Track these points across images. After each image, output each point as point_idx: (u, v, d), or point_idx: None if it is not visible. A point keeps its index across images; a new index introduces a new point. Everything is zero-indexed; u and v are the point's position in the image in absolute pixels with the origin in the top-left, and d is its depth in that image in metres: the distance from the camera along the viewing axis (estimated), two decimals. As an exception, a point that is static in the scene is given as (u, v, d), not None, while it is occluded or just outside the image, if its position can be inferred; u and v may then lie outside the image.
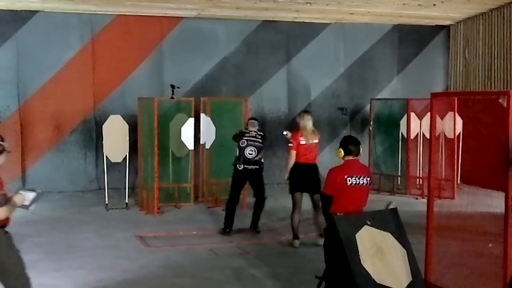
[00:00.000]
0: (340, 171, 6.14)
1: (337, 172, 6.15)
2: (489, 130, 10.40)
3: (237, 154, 10.02)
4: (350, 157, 6.21)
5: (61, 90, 13.62)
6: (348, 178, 6.03)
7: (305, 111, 9.76)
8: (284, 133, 9.49)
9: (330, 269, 6.12)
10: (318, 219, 8.86)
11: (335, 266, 5.90)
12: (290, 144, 9.14)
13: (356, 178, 6.06)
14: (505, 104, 5.90)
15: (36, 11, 13.39)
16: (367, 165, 9.68)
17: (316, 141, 9.28)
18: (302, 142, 9.07)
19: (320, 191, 6.46)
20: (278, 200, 11.91)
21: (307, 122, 9.17)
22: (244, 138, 9.98)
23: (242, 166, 9.85)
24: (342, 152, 6.23)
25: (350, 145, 6.23)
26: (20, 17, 13.35)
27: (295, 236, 9.10)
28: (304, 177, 9.10)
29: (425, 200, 12.04)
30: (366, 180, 6.16)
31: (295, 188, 9.15)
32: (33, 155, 13.56)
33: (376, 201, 12.00)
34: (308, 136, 9.11)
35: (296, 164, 9.11)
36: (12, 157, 13.14)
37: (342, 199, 6.06)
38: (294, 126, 9.99)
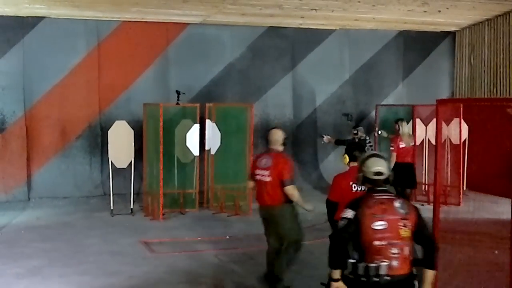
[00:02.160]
0: (345, 177, 6.11)
1: (342, 178, 6.12)
2: (495, 136, 10.37)
3: None
4: (356, 164, 6.16)
5: (67, 96, 13.66)
6: (353, 185, 5.94)
7: (402, 119, 11.33)
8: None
9: None
10: None
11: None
12: (392, 148, 10.77)
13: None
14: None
15: (42, 17, 13.45)
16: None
17: (412, 143, 11.06)
18: (402, 146, 10.78)
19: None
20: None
21: (405, 128, 10.98)
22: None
23: None
24: (347, 158, 6.23)
25: (355, 151, 6.22)
26: (27, 23, 13.40)
27: None
28: (401, 175, 9.87)
29: (431, 207, 12.02)
30: None
31: (394, 185, 9.60)
32: (38, 161, 13.59)
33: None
34: (406, 140, 10.83)
35: (395, 164, 10.46)
36: (18, 163, 13.27)
37: None
38: (394, 132, 11.51)
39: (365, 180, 4.58)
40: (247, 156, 12.21)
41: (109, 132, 11.86)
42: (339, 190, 6.03)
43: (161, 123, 11.33)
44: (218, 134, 12.30)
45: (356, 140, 12.02)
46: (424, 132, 13.77)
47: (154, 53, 14.31)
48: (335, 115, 15.51)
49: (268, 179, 6.90)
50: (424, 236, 4.40)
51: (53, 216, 11.78)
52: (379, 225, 4.25)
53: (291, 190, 6.89)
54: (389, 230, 4.26)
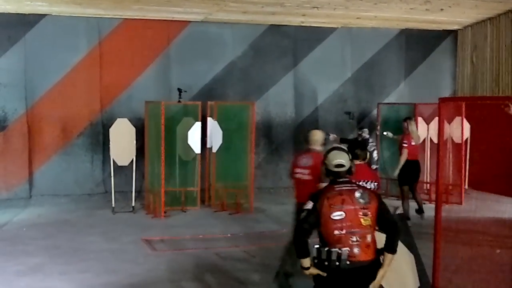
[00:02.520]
0: None
1: None
2: (497, 135, 10.36)
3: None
4: (357, 162, 6.18)
5: (69, 94, 13.65)
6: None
7: (410, 118, 11.52)
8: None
9: None
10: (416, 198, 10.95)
11: None
12: (405, 145, 10.83)
13: (364, 183, 6.02)
14: (510, 112, 5.89)
15: (44, 15, 13.44)
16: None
17: (419, 141, 11.40)
18: (413, 143, 10.93)
19: None
20: (285, 205, 11.87)
21: (413, 127, 11.20)
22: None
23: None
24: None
25: (356, 149, 6.29)
26: (28, 21, 13.38)
27: (408, 218, 10.46)
28: (411, 171, 10.83)
29: (432, 205, 11.97)
30: (374, 185, 6.13)
31: (404, 182, 10.82)
32: (40, 158, 13.58)
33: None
34: (416, 138, 11.08)
35: (406, 161, 10.78)
36: (19, 160, 13.27)
37: None
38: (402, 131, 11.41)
39: (328, 173, 4.76)
40: (248, 154, 12.21)
41: (110, 130, 11.86)
42: None
43: (163, 121, 11.33)
44: (220, 132, 12.29)
45: (359, 139, 12.20)
46: (426, 130, 13.76)
47: (156, 51, 14.30)
48: (336, 114, 15.49)
49: (307, 177, 6.94)
50: (386, 222, 4.59)
51: (55, 214, 11.79)
52: (337, 215, 4.44)
53: None
54: (348, 220, 4.45)
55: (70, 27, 13.67)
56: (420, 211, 11.03)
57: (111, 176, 11.93)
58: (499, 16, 14.57)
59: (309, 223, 4.50)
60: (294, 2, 12.64)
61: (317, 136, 7.34)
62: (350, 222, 4.45)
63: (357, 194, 4.54)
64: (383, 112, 14.55)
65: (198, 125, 12.00)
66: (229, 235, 10.08)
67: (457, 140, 13.10)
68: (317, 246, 4.53)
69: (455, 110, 12.13)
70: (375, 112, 15.00)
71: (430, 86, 15.82)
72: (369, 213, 4.50)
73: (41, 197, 13.28)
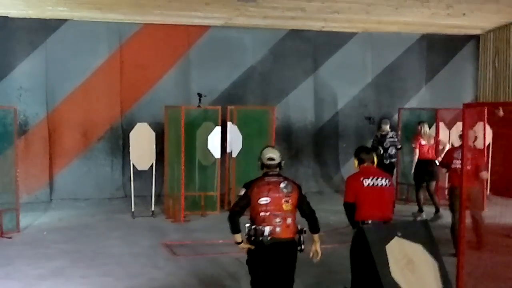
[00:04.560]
0: (355, 175, 6.38)
1: (353, 177, 6.39)
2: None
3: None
4: (365, 165, 6.43)
5: (89, 98, 13.73)
6: (364, 180, 6.21)
7: (423, 121, 12.34)
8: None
9: (357, 279, 6.09)
10: (433, 199, 11.89)
11: (364, 277, 5.92)
12: (414, 145, 12.01)
13: (374, 179, 6.21)
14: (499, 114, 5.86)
15: (65, 20, 13.52)
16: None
17: (432, 142, 12.13)
18: (423, 143, 11.89)
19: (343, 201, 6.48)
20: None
21: (426, 129, 12.09)
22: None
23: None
24: (356, 162, 6.51)
25: (361, 154, 6.47)
26: (50, 26, 13.48)
27: (420, 209, 11.89)
28: (423, 169, 11.87)
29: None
30: (385, 181, 6.24)
31: (418, 179, 12.01)
32: (60, 162, 13.66)
33: (404, 211, 12.00)
34: (427, 139, 11.96)
35: (418, 160, 11.94)
36: (40, 164, 13.35)
37: (364, 203, 6.17)
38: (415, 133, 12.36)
39: (262, 166, 5.81)
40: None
41: (130, 134, 11.89)
42: (353, 191, 6.26)
43: (183, 126, 11.33)
44: (240, 136, 12.26)
45: (379, 136, 12.51)
46: (448, 135, 13.63)
47: (176, 56, 14.33)
48: (357, 119, 15.42)
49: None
50: (305, 209, 5.73)
51: (75, 218, 11.83)
52: (263, 200, 5.52)
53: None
54: (272, 204, 5.52)
55: (91, 32, 13.75)
56: (436, 212, 11.76)
57: (130, 180, 11.95)
58: (521, 20, 14.43)
59: (240, 206, 5.65)
60: (315, 7, 12.60)
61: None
62: (274, 206, 5.52)
63: (282, 185, 5.61)
64: (404, 117, 14.45)
65: (218, 129, 11.99)
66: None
67: (479, 145, 12.94)
68: (248, 224, 5.63)
69: (477, 115, 11.99)
70: (396, 117, 14.88)
71: (452, 91, 15.70)
72: (290, 200, 5.57)
73: (61, 201, 13.34)
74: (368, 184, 6.16)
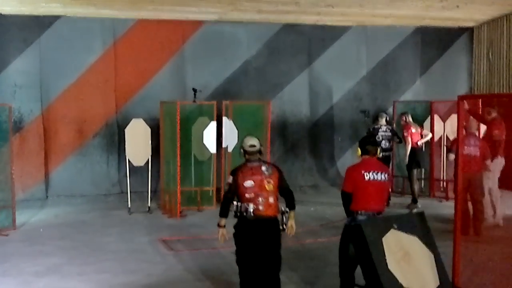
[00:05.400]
0: (357, 167, 6.35)
1: (354, 169, 6.36)
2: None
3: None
4: (367, 156, 6.39)
5: (84, 94, 13.70)
6: (365, 173, 6.19)
7: (405, 112, 12.76)
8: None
9: (345, 267, 6.36)
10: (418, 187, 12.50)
11: (351, 267, 6.24)
12: (406, 134, 12.22)
13: (374, 174, 6.20)
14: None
15: (58, 16, 13.49)
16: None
17: (419, 130, 12.51)
18: (413, 131, 12.23)
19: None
20: (300, 204, 11.80)
21: (410, 118, 12.42)
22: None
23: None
24: (360, 151, 6.44)
25: (368, 145, 6.42)
26: (43, 22, 13.44)
27: (415, 200, 12.14)
28: (417, 158, 12.26)
29: (449, 203, 11.96)
30: (384, 176, 6.23)
31: (410, 167, 12.31)
32: (56, 159, 13.64)
33: (399, 204, 12.03)
34: (415, 128, 12.33)
35: (412, 148, 12.23)
36: (35, 161, 13.33)
37: (362, 196, 6.18)
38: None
39: (244, 153, 6.31)
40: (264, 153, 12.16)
41: (126, 130, 11.88)
42: (352, 181, 6.26)
43: (178, 121, 11.33)
44: (235, 131, 12.26)
45: (371, 129, 12.53)
46: (442, 128, 13.67)
47: (170, 51, 14.31)
48: (352, 112, 15.43)
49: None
50: (284, 189, 6.29)
51: (71, 214, 11.83)
52: (248, 183, 6.08)
53: None
54: (256, 186, 6.07)
55: (85, 28, 13.71)
56: (414, 202, 12.20)
57: (126, 177, 11.95)
58: (515, 12, 14.43)
59: (232, 191, 6.19)
60: (309, 1, 12.59)
61: None
62: (258, 188, 6.07)
63: (263, 168, 6.18)
64: (399, 110, 14.45)
65: (213, 124, 12.00)
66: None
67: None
68: (235, 202, 6.19)
69: (472, 107, 12.00)
70: (391, 110, 14.90)
71: (446, 83, 15.72)
72: (271, 181, 6.14)
73: (57, 197, 13.33)
74: (369, 178, 6.17)
